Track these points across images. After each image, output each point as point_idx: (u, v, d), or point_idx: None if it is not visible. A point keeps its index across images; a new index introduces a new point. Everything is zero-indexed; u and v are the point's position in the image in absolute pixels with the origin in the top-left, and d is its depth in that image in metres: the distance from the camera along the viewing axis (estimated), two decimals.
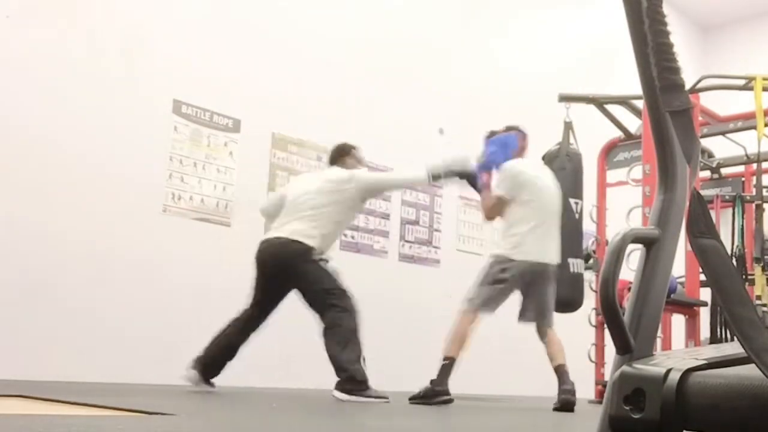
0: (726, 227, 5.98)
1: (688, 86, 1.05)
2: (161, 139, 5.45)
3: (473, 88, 7.53)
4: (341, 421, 3.14)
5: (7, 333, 4.56)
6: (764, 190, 5.77)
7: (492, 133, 4.72)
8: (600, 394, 5.82)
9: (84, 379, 4.57)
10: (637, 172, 5.63)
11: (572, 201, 5.38)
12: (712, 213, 4.73)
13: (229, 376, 4.69)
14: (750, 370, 0.71)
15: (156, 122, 5.44)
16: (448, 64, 7.43)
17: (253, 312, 4.38)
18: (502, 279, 4.38)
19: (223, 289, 5.58)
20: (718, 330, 5.52)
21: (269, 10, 6.17)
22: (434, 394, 4.20)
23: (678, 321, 5.76)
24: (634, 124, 6.26)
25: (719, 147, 6.33)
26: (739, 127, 5.83)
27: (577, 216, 5.49)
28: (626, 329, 0.79)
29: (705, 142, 5.84)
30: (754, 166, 5.88)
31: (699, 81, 5.54)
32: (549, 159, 5.53)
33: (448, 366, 4.25)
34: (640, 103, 5.74)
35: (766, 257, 5.56)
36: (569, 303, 5.24)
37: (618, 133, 6.41)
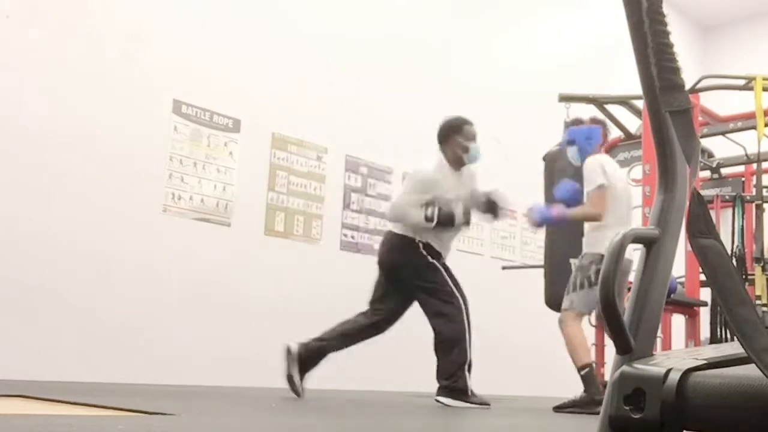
0: (726, 227, 5.97)
1: (688, 86, 1.05)
2: (161, 139, 5.45)
3: (473, 88, 7.52)
4: (341, 421, 3.14)
5: (7, 333, 4.56)
6: (764, 190, 5.77)
7: (576, 122, 4.63)
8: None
9: (84, 379, 4.57)
10: (637, 172, 5.63)
11: None
12: (712, 213, 4.73)
13: (229, 376, 4.70)
14: (750, 370, 0.71)
15: (156, 122, 5.44)
16: (448, 64, 7.43)
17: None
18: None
19: (223, 289, 5.59)
20: (718, 330, 5.52)
21: (269, 10, 6.17)
22: (595, 403, 4.05)
23: (678, 321, 5.75)
24: (634, 124, 6.25)
25: (719, 147, 6.32)
26: (739, 127, 5.82)
27: None
28: (626, 329, 0.79)
29: (705, 142, 5.83)
30: (754, 166, 5.87)
31: (699, 81, 5.53)
32: (550, 159, 5.53)
33: (589, 373, 4.17)
34: (640, 103, 5.74)
35: (766, 257, 5.56)
36: None
37: (618, 133, 6.41)
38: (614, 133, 6.46)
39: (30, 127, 4.84)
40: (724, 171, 6.46)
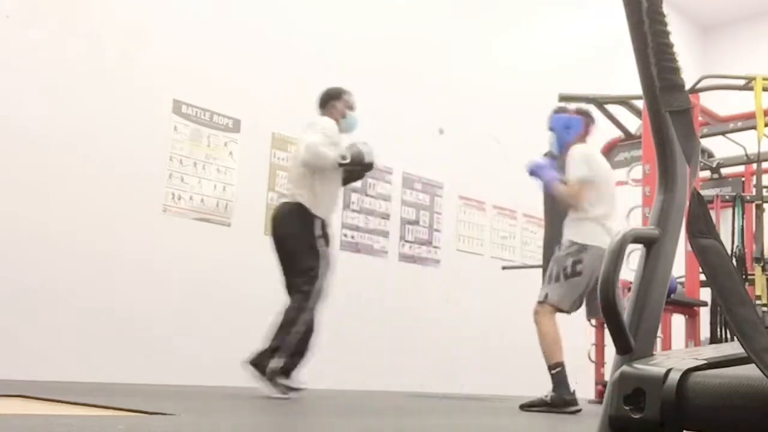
0: (726, 227, 5.97)
1: (688, 86, 1.05)
2: (161, 139, 5.45)
3: (473, 88, 7.53)
4: (342, 420, 3.14)
5: (7, 333, 4.56)
6: (764, 190, 5.77)
7: (560, 110, 4.65)
8: (600, 394, 5.82)
9: (84, 379, 4.57)
10: (637, 172, 5.63)
11: None
12: (712, 213, 4.73)
13: (229, 376, 4.70)
14: (750, 370, 0.71)
15: (156, 122, 5.44)
16: (448, 64, 7.43)
17: None
18: (578, 272, 4.17)
19: (223, 289, 5.59)
20: (718, 330, 5.52)
21: (269, 10, 6.17)
22: (565, 403, 4.06)
23: (678, 321, 5.76)
24: (634, 124, 6.26)
25: (719, 147, 6.33)
26: (739, 127, 5.83)
27: None
28: (626, 329, 0.79)
29: (705, 142, 5.83)
30: (754, 166, 5.87)
31: (699, 81, 5.54)
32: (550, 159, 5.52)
33: (560, 372, 4.11)
34: (640, 103, 5.74)
35: (766, 257, 5.56)
36: None
37: (618, 133, 6.41)
38: (614, 133, 6.48)
39: (30, 127, 4.84)
40: (724, 171, 6.46)
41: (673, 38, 0.82)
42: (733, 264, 1.06)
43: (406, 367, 6.33)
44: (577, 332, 5.98)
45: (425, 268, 7.08)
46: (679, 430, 0.73)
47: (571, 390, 4.14)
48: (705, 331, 5.74)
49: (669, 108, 0.83)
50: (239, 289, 5.63)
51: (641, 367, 0.77)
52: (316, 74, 6.41)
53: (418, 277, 6.95)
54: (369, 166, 4.50)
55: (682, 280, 5.80)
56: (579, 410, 4.09)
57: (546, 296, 4.22)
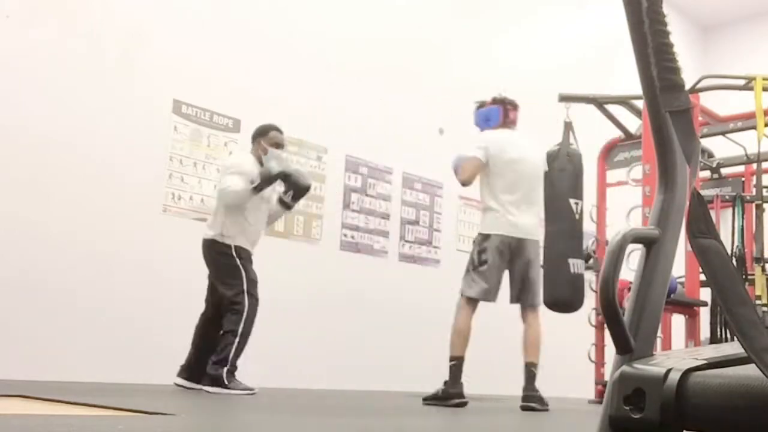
0: (726, 227, 5.98)
1: (688, 86, 1.05)
2: (161, 139, 5.45)
3: (473, 88, 7.50)
4: (342, 421, 3.13)
5: (7, 333, 4.56)
6: (764, 190, 5.77)
7: (481, 104, 4.79)
8: (600, 394, 5.82)
9: (84, 379, 4.57)
10: (637, 172, 5.63)
11: (572, 201, 5.36)
12: (712, 213, 4.73)
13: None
14: (750, 370, 0.71)
15: (156, 122, 5.44)
16: (448, 64, 7.43)
17: None
18: (483, 261, 4.30)
19: None
20: (718, 330, 5.52)
21: (269, 10, 6.17)
22: (448, 396, 4.15)
23: (678, 321, 5.76)
24: (634, 124, 6.25)
25: (719, 147, 6.32)
26: (739, 127, 5.82)
27: (577, 216, 5.48)
28: (626, 329, 0.79)
29: (705, 142, 5.83)
30: (754, 166, 5.87)
31: (699, 81, 5.53)
32: (550, 159, 5.52)
33: (455, 366, 4.20)
34: (640, 103, 5.74)
35: (766, 257, 5.56)
36: (569, 303, 5.23)
37: (618, 133, 6.41)
38: (614, 133, 6.47)
39: (30, 127, 4.84)
40: (724, 171, 6.46)
41: (673, 38, 0.82)
42: (733, 264, 1.06)
43: (406, 367, 6.33)
44: (577, 332, 5.99)
45: (425, 268, 7.08)
46: (679, 430, 0.73)
47: (461, 383, 4.22)
48: (705, 331, 5.74)
49: (669, 108, 0.83)
50: None
51: (641, 367, 0.77)
52: (316, 74, 6.42)
53: (418, 277, 6.95)
54: (299, 186, 4.73)
55: (682, 280, 5.80)
56: (464, 403, 4.17)
57: (461, 288, 4.36)
